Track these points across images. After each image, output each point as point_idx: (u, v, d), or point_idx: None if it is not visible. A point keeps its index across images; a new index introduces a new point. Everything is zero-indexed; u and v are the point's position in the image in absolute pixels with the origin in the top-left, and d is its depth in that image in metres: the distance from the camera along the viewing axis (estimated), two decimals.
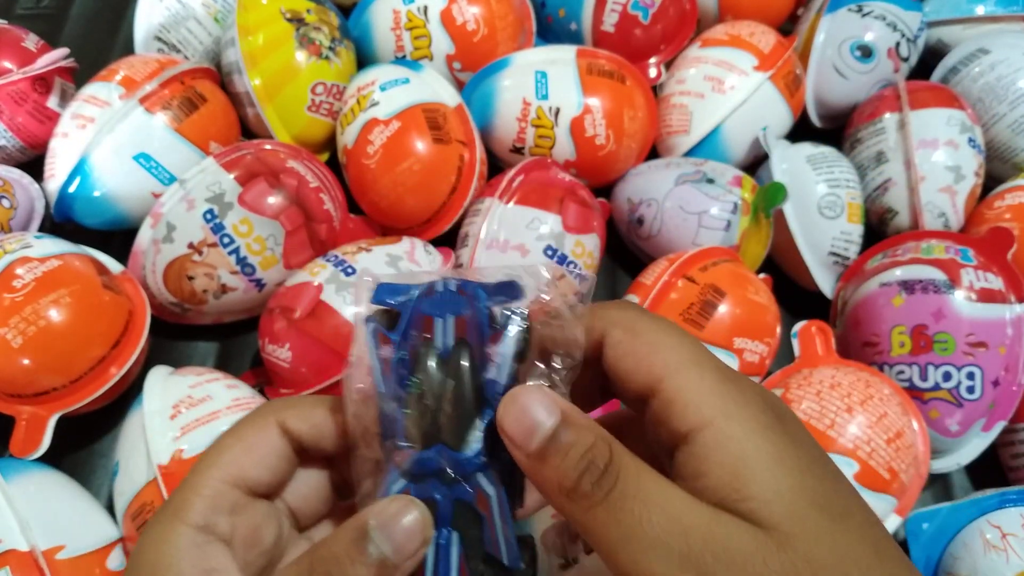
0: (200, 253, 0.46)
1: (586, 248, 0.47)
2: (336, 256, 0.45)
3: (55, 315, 0.40)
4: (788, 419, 0.19)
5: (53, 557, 0.36)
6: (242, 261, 0.46)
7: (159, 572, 0.19)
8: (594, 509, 0.18)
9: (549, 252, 0.45)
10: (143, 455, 0.39)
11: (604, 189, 0.55)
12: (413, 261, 0.46)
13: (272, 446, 0.22)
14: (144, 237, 0.47)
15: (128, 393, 0.46)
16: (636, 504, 0.17)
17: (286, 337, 0.43)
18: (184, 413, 0.40)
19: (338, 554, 0.19)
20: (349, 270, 0.44)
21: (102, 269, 0.45)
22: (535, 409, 0.19)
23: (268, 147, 0.50)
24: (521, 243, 0.45)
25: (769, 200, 0.47)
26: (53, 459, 0.42)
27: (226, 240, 0.46)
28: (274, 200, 0.47)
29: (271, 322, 0.44)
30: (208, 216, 0.46)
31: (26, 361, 0.40)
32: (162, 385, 0.41)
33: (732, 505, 0.17)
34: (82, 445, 0.47)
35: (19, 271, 0.41)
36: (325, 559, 0.19)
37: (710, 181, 0.49)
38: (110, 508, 0.43)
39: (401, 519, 0.19)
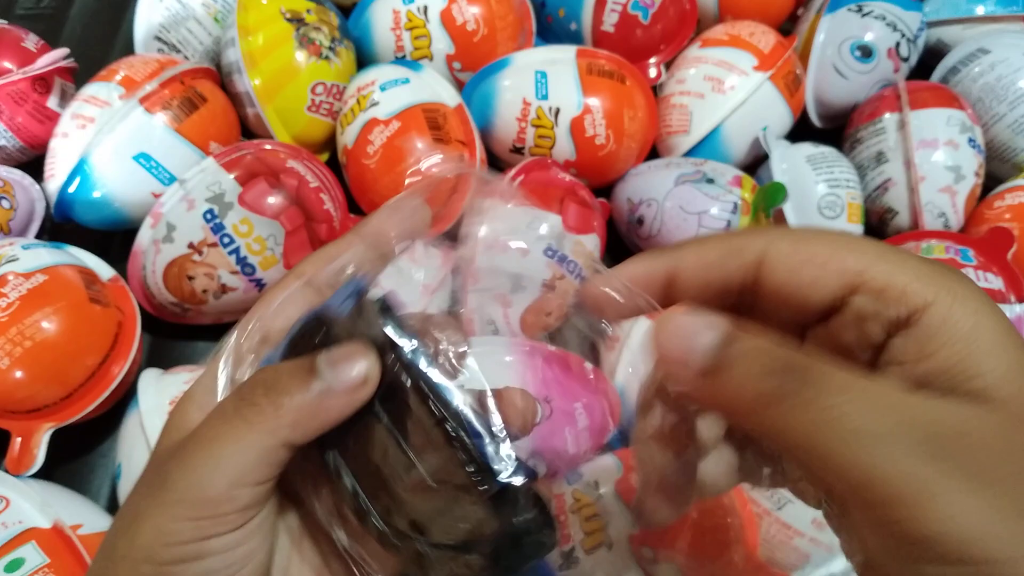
0: (200, 253, 0.46)
1: (586, 248, 0.47)
2: None
3: (41, 335, 0.40)
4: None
5: (76, 532, 0.37)
6: (242, 261, 0.46)
7: (173, 416, 0.21)
8: (795, 413, 0.16)
9: (549, 252, 0.45)
10: (145, 453, 0.39)
11: (604, 189, 0.55)
12: (413, 260, 0.46)
13: (292, 297, 0.22)
14: (144, 237, 0.47)
15: (127, 397, 0.46)
16: (846, 398, 0.15)
17: None
18: None
19: (279, 374, 0.19)
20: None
21: (90, 279, 0.45)
22: (693, 324, 0.17)
23: (268, 147, 0.50)
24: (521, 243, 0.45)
25: (769, 200, 0.47)
26: (52, 458, 0.42)
27: (226, 240, 0.46)
28: (274, 200, 0.47)
29: None
30: (208, 216, 0.46)
31: (14, 381, 0.40)
32: (155, 385, 0.42)
33: (961, 384, 0.16)
34: (80, 444, 0.47)
35: (4, 289, 0.41)
36: (264, 380, 0.19)
37: (710, 181, 0.49)
38: (111, 510, 0.43)
39: (352, 358, 0.19)
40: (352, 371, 0.19)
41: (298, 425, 0.19)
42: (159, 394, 0.41)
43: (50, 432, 0.42)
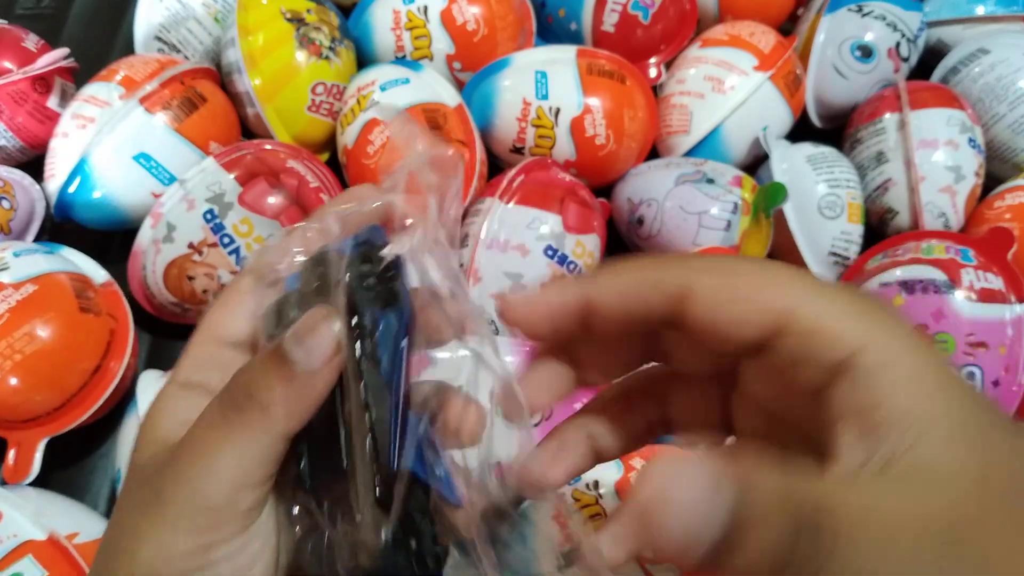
0: (200, 253, 0.46)
1: (586, 248, 0.47)
2: None
3: (31, 347, 0.40)
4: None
5: (72, 542, 0.37)
6: (242, 261, 0.46)
7: (145, 429, 0.20)
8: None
9: (549, 252, 0.45)
10: None
11: (604, 189, 0.55)
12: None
13: (242, 296, 0.21)
14: (144, 237, 0.47)
15: (126, 399, 0.47)
16: (860, 538, 0.14)
17: None
18: None
19: (255, 372, 0.19)
20: None
21: (82, 286, 0.44)
22: (694, 498, 0.15)
23: (268, 147, 0.50)
24: (522, 243, 0.45)
25: (769, 200, 0.47)
26: (49, 462, 0.42)
27: (226, 240, 0.46)
28: (274, 200, 0.47)
29: None
30: (208, 216, 0.46)
31: (7, 392, 0.40)
32: (155, 387, 0.41)
33: (915, 440, 0.15)
34: (79, 446, 0.47)
35: None
36: (244, 382, 0.19)
37: (710, 181, 0.49)
38: (109, 514, 0.43)
39: (316, 328, 0.19)
40: (322, 344, 0.18)
41: (291, 415, 0.19)
42: None
43: (46, 440, 0.42)
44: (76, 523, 0.39)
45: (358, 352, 0.19)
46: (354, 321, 0.19)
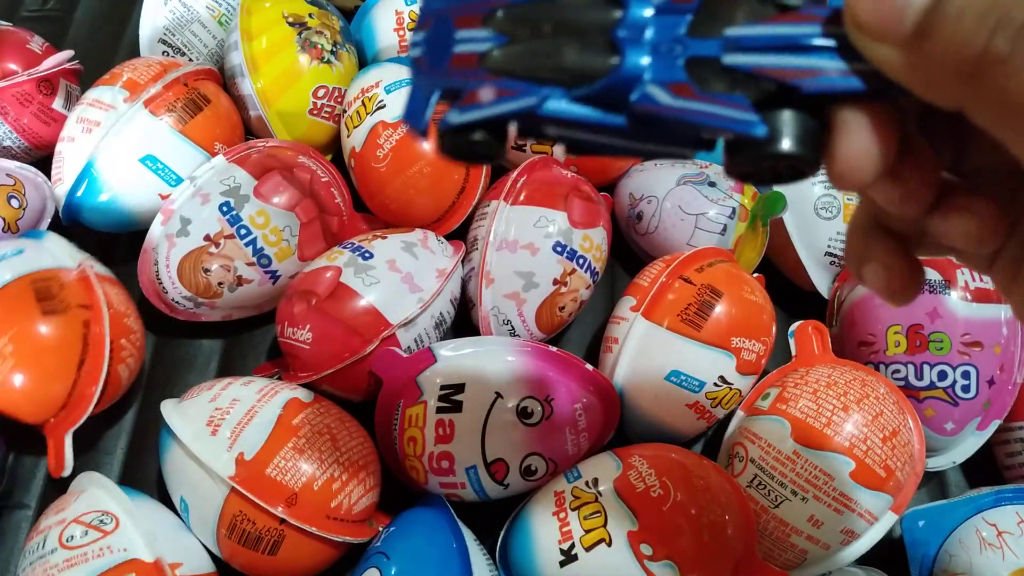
0: (217, 245, 0.46)
1: (594, 242, 0.47)
2: (352, 242, 0.46)
3: (5, 368, 0.40)
4: None
5: (175, 572, 0.37)
6: (259, 252, 0.47)
7: None
8: (1018, 75, 0.13)
9: (559, 249, 0.46)
10: (207, 479, 0.39)
11: (605, 188, 0.56)
12: (427, 248, 0.46)
13: None
14: (155, 233, 0.47)
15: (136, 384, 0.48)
16: None
17: (306, 319, 0.43)
18: (223, 424, 0.40)
19: None
20: (367, 254, 0.45)
21: (46, 285, 0.43)
22: None
23: (276, 144, 0.51)
24: (530, 242, 0.46)
25: (769, 209, 0.48)
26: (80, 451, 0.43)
27: (243, 231, 0.46)
28: (289, 192, 0.47)
29: (290, 306, 0.44)
30: (224, 208, 0.46)
31: (7, 409, 0.41)
32: (180, 414, 0.41)
33: None
34: (90, 436, 0.47)
35: None
36: None
37: (712, 184, 0.50)
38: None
39: None
40: None
41: None
42: (191, 421, 0.41)
43: (71, 435, 0.43)
44: (183, 554, 0.38)
45: None
46: None
